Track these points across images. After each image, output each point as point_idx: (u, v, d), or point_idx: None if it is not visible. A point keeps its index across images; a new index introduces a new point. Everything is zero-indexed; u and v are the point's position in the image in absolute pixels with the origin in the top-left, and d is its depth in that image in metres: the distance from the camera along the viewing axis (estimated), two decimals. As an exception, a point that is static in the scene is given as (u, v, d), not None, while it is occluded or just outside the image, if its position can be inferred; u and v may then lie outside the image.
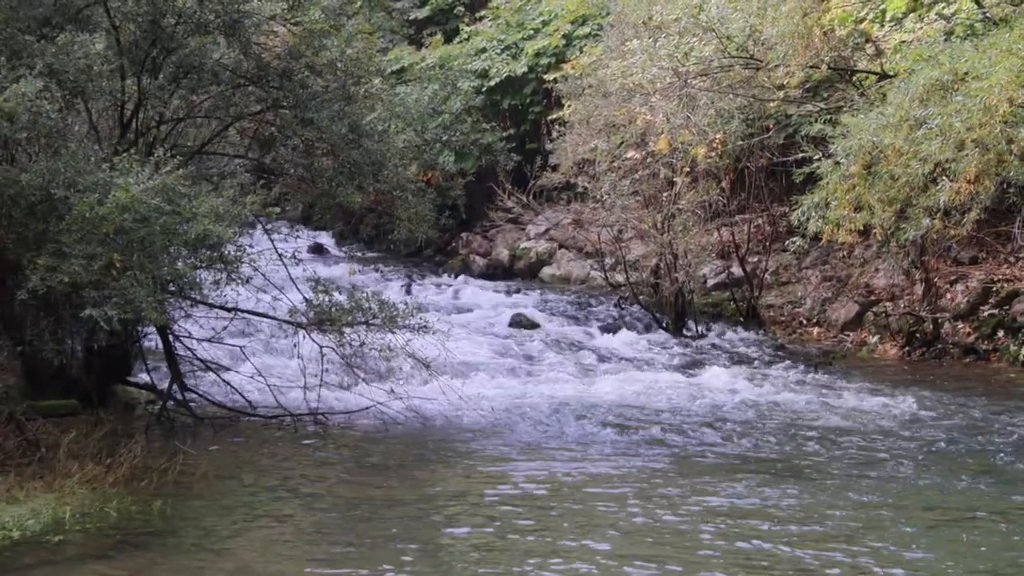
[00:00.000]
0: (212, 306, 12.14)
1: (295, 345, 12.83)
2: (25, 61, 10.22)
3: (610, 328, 18.51)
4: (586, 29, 23.93)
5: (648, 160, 18.07)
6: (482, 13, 28.10)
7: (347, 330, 12.23)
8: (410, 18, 29.18)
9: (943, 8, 16.39)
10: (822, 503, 9.59)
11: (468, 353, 15.73)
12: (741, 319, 19.04)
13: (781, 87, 16.83)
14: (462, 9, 29.00)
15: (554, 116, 21.79)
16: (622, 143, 18.72)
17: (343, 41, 13.39)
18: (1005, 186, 14.11)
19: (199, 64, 11.97)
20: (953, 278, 17.50)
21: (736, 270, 19.62)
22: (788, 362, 16.38)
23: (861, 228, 14.37)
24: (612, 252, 20.16)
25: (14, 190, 9.53)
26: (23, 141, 10.17)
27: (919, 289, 17.64)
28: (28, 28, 10.71)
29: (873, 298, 18.21)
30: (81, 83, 10.71)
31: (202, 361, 12.85)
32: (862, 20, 17.05)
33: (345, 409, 12.68)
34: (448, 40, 27.68)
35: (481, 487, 10.18)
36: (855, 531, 8.85)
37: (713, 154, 17.34)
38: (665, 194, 18.19)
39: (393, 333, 12.29)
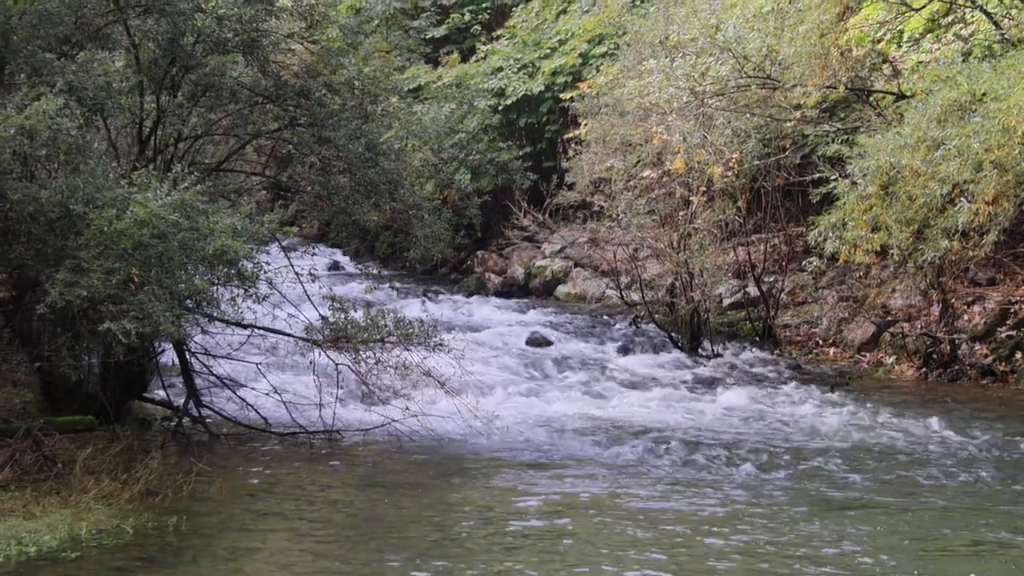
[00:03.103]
0: (228, 322, 12.16)
1: (311, 362, 12.83)
2: (45, 79, 10.29)
3: (625, 347, 18.49)
4: (603, 48, 23.97)
5: (664, 179, 18.05)
6: (499, 32, 28.19)
7: (362, 348, 12.24)
8: (427, 37, 29.27)
9: (961, 29, 16.38)
10: (839, 531, 9.53)
11: (483, 371, 15.71)
12: (757, 339, 18.99)
13: (798, 107, 16.82)
14: (479, 28, 29.09)
15: (570, 135, 21.78)
16: (638, 162, 18.71)
17: (360, 60, 13.45)
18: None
19: (217, 82, 12.03)
20: (971, 299, 17.43)
21: (752, 290, 19.57)
22: (804, 382, 16.32)
23: (878, 249, 14.33)
24: (628, 271, 20.13)
25: (33, 206, 9.58)
26: (43, 158, 10.24)
27: (936, 310, 17.57)
28: (48, 46, 10.78)
29: (890, 319, 18.14)
30: (100, 100, 10.77)
31: (218, 378, 12.88)
32: (880, 40, 17.04)
33: (360, 426, 12.68)
34: (465, 59, 27.77)
35: (496, 505, 10.17)
36: (875, 561, 8.80)
37: (729, 173, 17.32)
38: (681, 213, 18.17)
39: (408, 351, 12.31)
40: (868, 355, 17.84)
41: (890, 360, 17.44)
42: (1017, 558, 8.75)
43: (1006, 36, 15.01)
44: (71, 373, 10.41)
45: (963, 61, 14.94)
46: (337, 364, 12.44)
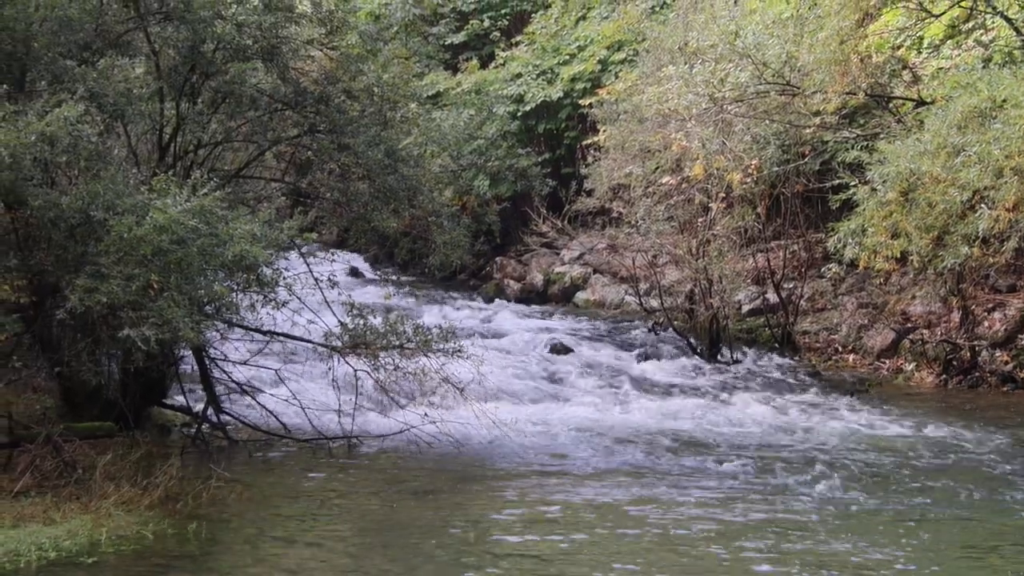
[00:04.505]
0: (248, 329, 12.19)
1: (330, 368, 12.85)
2: (66, 85, 10.35)
3: (644, 354, 18.45)
4: (622, 55, 23.97)
5: (683, 186, 18.04)
6: (518, 39, 28.22)
7: (382, 354, 12.24)
8: (446, 43, 29.32)
9: (981, 35, 16.31)
10: (865, 543, 9.48)
11: (502, 377, 15.69)
12: (776, 345, 18.94)
13: (817, 113, 16.77)
14: (498, 34, 29.12)
15: (589, 141, 21.79)
16: (657, 168, 18.70)
17: (380, 66, 13.48)
18: (1044, 214, 13.98)
19: (237, 89, 12.07)
20: (991, 306, 17.35)
21: (771, 296, 19.52)
22: (823, 389, 16.27)
23: (898, 255, 14.28)
24: (647, 277, 20.11)
25: (54, 213, 9.63)
26: (63, 164, 10.29)
27: (956, 317, 17.49)
28: (69, 53, 10.84)
29: (910, 325, 18.07)
30: (121, 107, 10.83)
31: (237, 384, 12.89)
32: (899, 47, 16.99)
33: (379, 433, 12.69)
34: (484, 65, 27.80)
35: (516, 511, 10.15)
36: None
37: (749, 180, 17.29)
38: (700, 220, 18.15)
39: (427, 357, 12.31)
40: (888, 362, 17.78)
41: (910, 367, 17.38)
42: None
43: (1027, 42, 14.96)
44: (91, 379, 10.45)
45: (983, 67, 14.88)
46: (356, 370, 12.45)
